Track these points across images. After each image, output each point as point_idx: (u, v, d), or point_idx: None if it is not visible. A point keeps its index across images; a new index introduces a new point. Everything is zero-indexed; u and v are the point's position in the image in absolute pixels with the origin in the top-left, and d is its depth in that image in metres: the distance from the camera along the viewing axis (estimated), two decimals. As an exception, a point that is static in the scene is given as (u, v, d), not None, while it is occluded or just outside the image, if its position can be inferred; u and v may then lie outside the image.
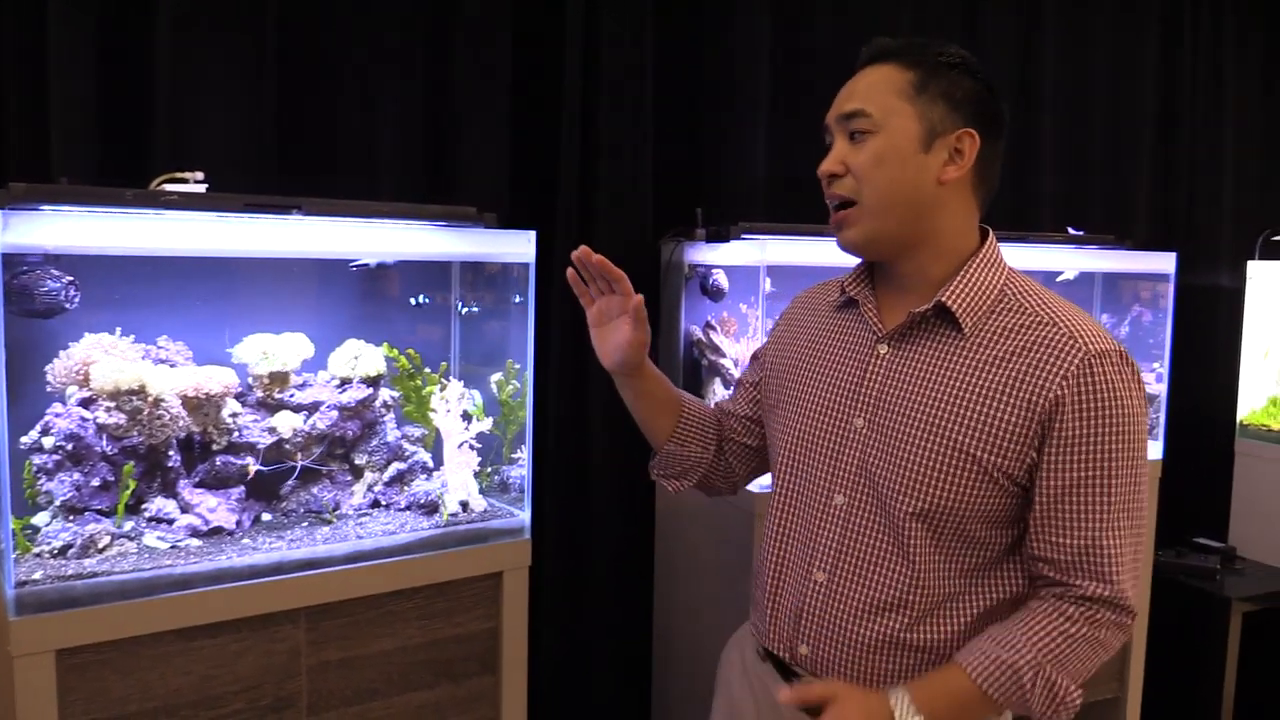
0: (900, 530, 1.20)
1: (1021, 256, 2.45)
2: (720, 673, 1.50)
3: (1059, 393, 1.13)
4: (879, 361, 1.26)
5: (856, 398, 1.26)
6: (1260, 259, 3.07)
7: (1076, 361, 1.14)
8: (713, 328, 2.26)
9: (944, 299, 1.21)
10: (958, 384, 1.19)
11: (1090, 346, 1.14)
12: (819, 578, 1.25)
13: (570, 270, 1.35)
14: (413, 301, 1.85)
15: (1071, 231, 2.56)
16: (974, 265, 1.23)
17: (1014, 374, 1.16)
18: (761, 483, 1.61)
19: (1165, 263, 2.49)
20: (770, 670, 1.35)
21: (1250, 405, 3.07)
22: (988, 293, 1.21)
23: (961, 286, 1.21)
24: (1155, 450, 2.51)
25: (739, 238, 2.10)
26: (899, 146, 1.20)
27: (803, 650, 1.28)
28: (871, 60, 1.26)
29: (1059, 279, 2.60)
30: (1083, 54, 3.04)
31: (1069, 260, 2.53)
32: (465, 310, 1.90)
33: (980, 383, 1.18)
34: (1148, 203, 3.17)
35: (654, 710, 2.43)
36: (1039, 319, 1.19)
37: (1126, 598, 1.16)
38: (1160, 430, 2.55)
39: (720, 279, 2.23)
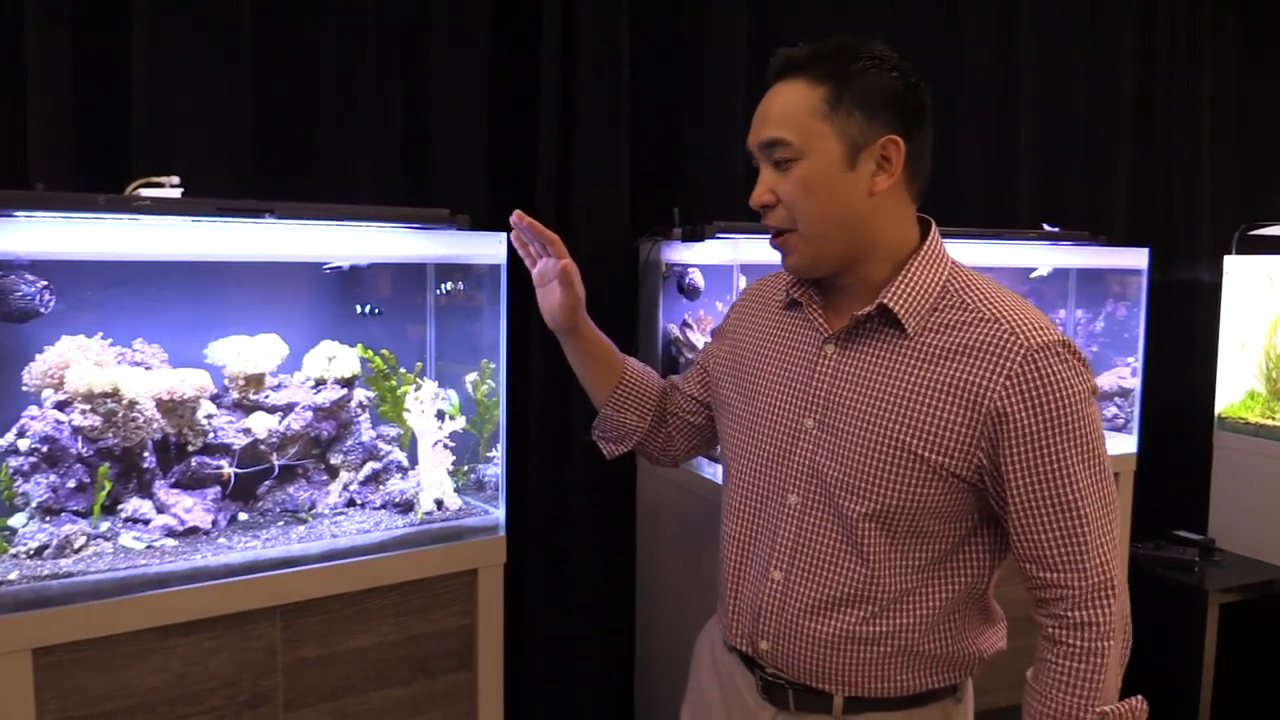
0: (853, 529, 1.22)
1: (995, 253, 2.48)
2: (692, 663, 1.52)
3: (1004, 393, 1.14)
4: (826, 362, 1.27)
5: (806, 398, 1.27)
6: (1237, 253, 3.10)
7: (1019, 359, 1.14)
8: (689, 325, 2.28)
9: (885, 300, 1.21)
10: (902, 384, 1.20)
11: (1031, 341, 1.15)
12: (776, 576, 1.27)
13: (513, 233, 1.41)
14: (359, 309, 1.86)
15: (1047, 228, 2.58)
16: (915, 264, 1.23)
17: (957, 373, 1.17)
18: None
19: (1138, 258, 2.52)
20: (736, 661, 1.37)
21: (1228, 399, 3.10)
22: (929, 290, 1.22)
23: (902, 287, 1.22)
24: (1129, 444, 2.54)
25: (714, 237, 2.12)
26: (824, 170, 1.19)
27: (763, 646, 1.30)
28: (779, 75, 1.23)
29: (1032, 275, 2.63)
30: (1059, 50, 3.06)
31: (1043, 256, 2.55)
32: (443, 293, 1.92)
33: (923, 382, 1.18)
34: (1127, 199, 3.19)
35: (637, 701, 2.45)
36: (980, 315, 1.19)
37: (1113, 579, 1.17)
38: (1135, 424, 2.57)
39: (696, 278, 2.26)
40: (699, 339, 2.26)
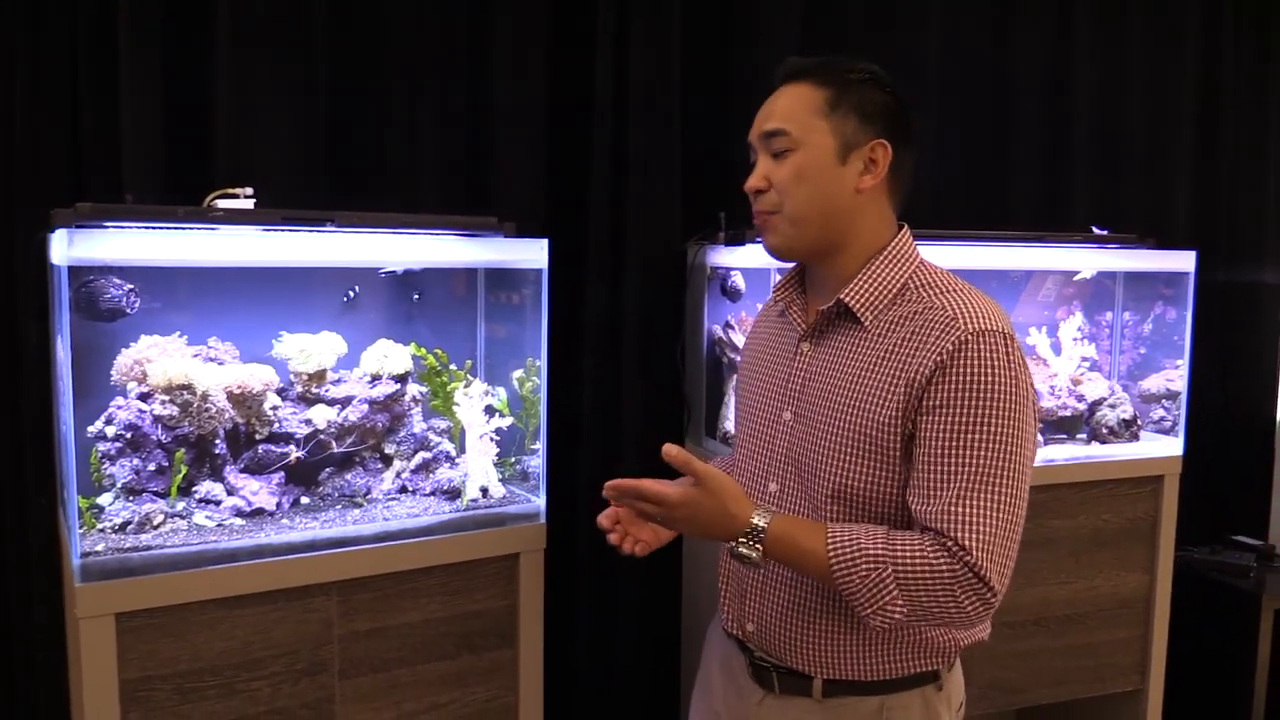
0: (820, 510, 1.31)
1: (1038, 257, 2.51)
2: (705, 646, 1.61)
3: (931, 367, 1.21)
4: (802, 358, 1.38)
5: (785, 392, 1.38)
6: (1301, 256, 3.06)
7: (952, 340, 1.21)
8: (731, 327, 2.37)
9: (843, 296, 1.31)
10: (859, 374, 1.29)
11: (969, 326, 1.22)
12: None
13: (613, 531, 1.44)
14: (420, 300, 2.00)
15: (1095, 231, 2.60)
16: (877, 262, 1.32)
17: (902, 359, 1.25)
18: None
19: (1185, 261, 2.51)
20: (733, 644, 1.46)
21: (1290, 403, 3.06)
22: (889, 287, 1.31)
23: (861, 284, 1.31)
24: (1176, 447, 2.54)
25: (754, 240, 2.21)
26: (817, 161, 1.30)
27: (749, 628, 1.40)
28: (787, 79, 1.35)
29: (1075, 278, 2.65)
30: (1119, 49, 3.03)
31: (1088, 260, 2.57)
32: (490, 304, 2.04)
33: (877, 371, 1.27)
34: (1190, 201, 3.16)
35: (683, 682, 2.54)
36: (930, 305, 1.27)
37: (983, 570, 1.17)
38: (1181, 427, 2.57)
39: (738, 280, 2.35)
40: (740, 339, 2.35)
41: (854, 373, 1.30)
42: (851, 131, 1.30)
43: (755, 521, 1.23)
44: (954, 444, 1.20)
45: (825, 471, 1.30)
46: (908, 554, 1.19)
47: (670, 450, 1.21)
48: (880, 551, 1.20)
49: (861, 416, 1.27)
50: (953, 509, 1.19)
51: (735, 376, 1.65)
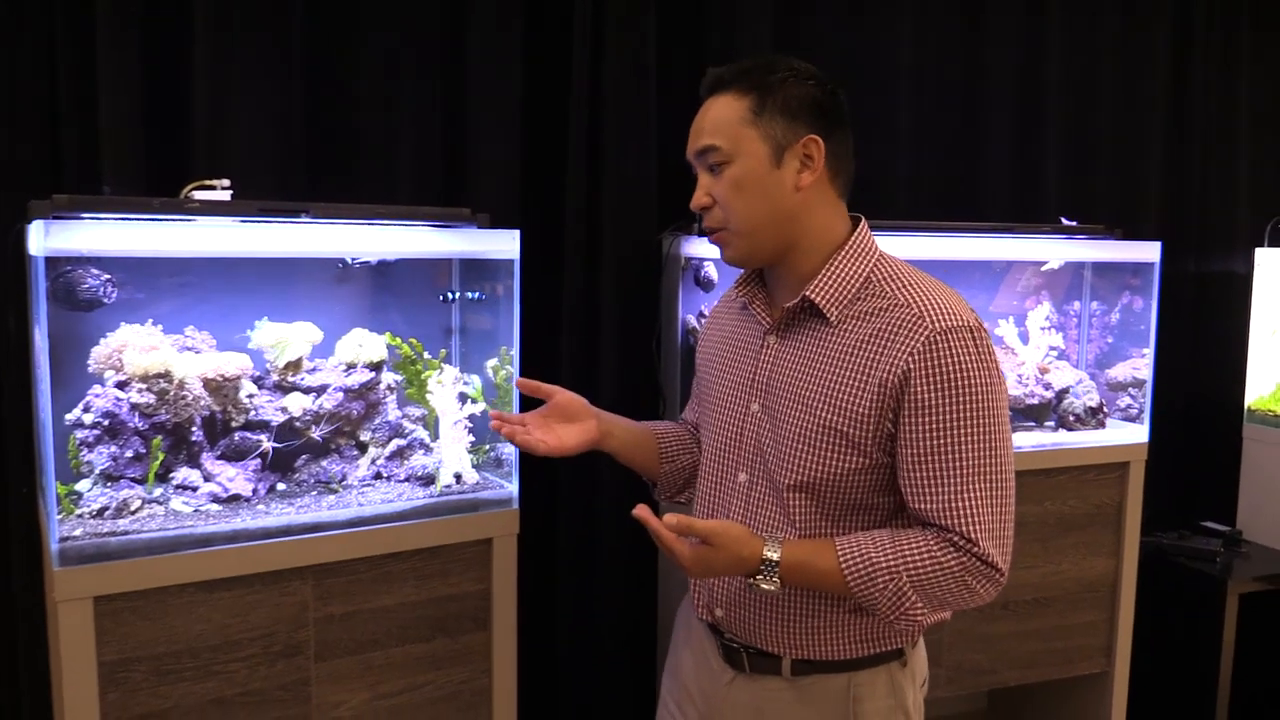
0: (784, 500, 1.35)
1: (1005, 248, 2.55)
2: (674, 632, 1.65)
3: (906, 367, 1.25)
4: (768, 352, 1.41)
5: (752, 385, 1.42)
6: (1270, 245, 3.10)
7: (922, 338, 1.26)
8: (704, 316, 2.41)
9: (808, 293, 1.34)
10: (825, 368, 1.32)
11: (937, 324, 1.26)
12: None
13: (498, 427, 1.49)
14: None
15: (1065, 222, 2.64)
16: (838, 258, 1.35)
17: (870, 355, 1.29)
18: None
19: (1150, 252, 2.56)
20: (704, 628, 1.50)
21: (1259, 391, 3.11)
22: (851, 282, 1.34)
23: (825, 280, 1.34)
24: (1141, 434, 2.59)
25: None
26: (753, 169, 1.32)
27: (719, 613, 1.44)
28: (710, 92, 1.37)
29: (1043, 269, 2.69)
30: (1089, 39, 3.07)
31: (1054, 251, 2.61)
32: (456, 297, 2.08)
33: (843, 365, 1.31)
34: (1161, 192, 3.20)
35: (659, 663, 2.58)
36: (895, 301, 1.31)
37: (989, 556, 1.26)
38: (1146, 414, 2.62)
39: (710, 270, 2.39)
40: (713, 329, 2.39)
41: (821, 368, 1.33)
42: (781, 133, 1.32)
43: (769, 555, 1.27)
44: (941, 442, 1.26)
45: (789, 463, 1.34)
46: (917, 557, 1.26)
47: (670, 522, 1.24)
48: (892, 561, 1.26)
49: (830, 411, 1.31)
50: (952, 504, 1.26)
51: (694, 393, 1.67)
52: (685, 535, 1.26)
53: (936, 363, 1.25)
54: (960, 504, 1.26)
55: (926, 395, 1.26)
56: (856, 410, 1.29)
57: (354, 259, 1.95)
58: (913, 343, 1.26)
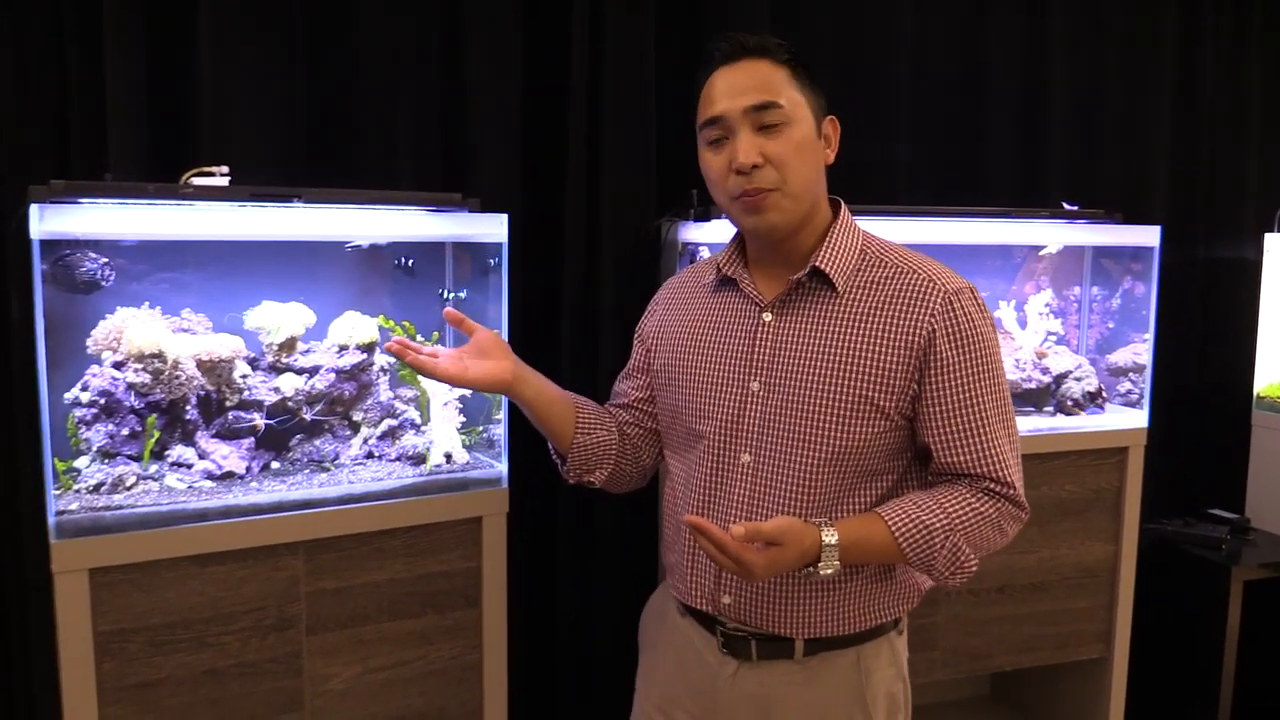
0: (805, 478, 1.36)
1: (1005, 232, 2.55)
2: (641, 636, 1.66)
3: (931, 328, 1.31)
4: (765, 329, 1.41)
5: (749, 364, 1.41)
6: (1279, 231, 3.07)
7: (939, 300, 1.32)
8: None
9: (817, 264, 1.36)
10: (843, 338, 1.35)
11: (947, 286, 1.33)
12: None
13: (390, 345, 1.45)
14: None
15: (1066, 206, 2.63)
16: (836, 232, 1.39)
17: (889, 319, 1.33)
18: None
19: (1150, 236, 2.54)
20: (692, 623, 1.49)
21: (1267, 378, 3.08)
22: (851, 254, 1.38)
23: (830, 251, 1.37)
24: (1140, 419, 2.58)
25: (719, 217, 2.26)
26: (808, 135, 1.35)
27: (725, 601, 1.42)
28: (747, 55, 1.34)
29: (1041, 253, 2.68)
30: (1097, 17, 3.05)
31: (1054, 235, 2.61)
32: (450, 295, 2.11)
33: (860, 333, 1.34)
34: (1168, 176, 3.17)
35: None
36: (899, 269, 1.36)
37: (1020, 495, 1.36)
38: (1146, 400, 2.61)
39: (705, 255, 2.40)
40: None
41: (834, 338, 1.35)
42: (817, 108, 1.37)
43: (828, 540, 1.28)
44: (967, 396, 1.33)
45: (815, 438, 1.35)
46: (961, 511, 1.33)
47: (738, 532, 1.21)
48: (942, 520, 1.32)
49: (861, 380, 1.33)
50: (985, 453, 1.34)
51: (637, 350, 1.63)
52: (755, 539, 1.23)
53: (954, 322, 1.32)
54: (992, 451, 1.34)
55: (949, 353, 1.32)
56: (887, 376, 1.33)
57: (348, 244, 1.99)
58: (931, 305, 1.32)
